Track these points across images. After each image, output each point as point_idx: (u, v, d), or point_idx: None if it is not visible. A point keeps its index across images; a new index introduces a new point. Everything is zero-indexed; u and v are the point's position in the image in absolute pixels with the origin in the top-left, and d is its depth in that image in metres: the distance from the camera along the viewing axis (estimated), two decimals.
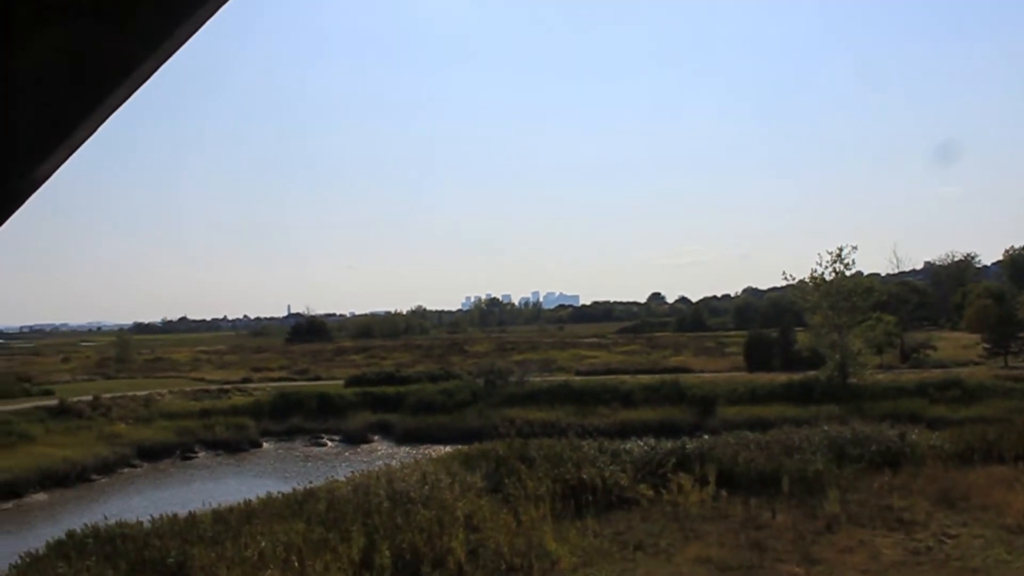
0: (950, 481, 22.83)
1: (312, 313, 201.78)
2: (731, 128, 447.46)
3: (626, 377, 65.16)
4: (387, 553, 15.97)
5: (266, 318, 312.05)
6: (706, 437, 30.27)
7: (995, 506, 20.45)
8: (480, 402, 58.58)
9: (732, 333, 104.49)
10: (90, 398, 58.38)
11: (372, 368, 79.33)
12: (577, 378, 67.30)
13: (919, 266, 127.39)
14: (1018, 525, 19.02)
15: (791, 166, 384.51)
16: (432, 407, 59.00)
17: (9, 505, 40.50)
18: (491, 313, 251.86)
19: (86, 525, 19.94)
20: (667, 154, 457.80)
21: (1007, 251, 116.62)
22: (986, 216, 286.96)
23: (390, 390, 63.50)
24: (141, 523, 19.52)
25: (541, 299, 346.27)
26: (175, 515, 20.08)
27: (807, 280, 59.28)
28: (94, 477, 45.80)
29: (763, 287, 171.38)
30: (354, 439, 56.78)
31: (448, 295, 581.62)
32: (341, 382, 70.53)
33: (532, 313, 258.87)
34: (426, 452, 49.60)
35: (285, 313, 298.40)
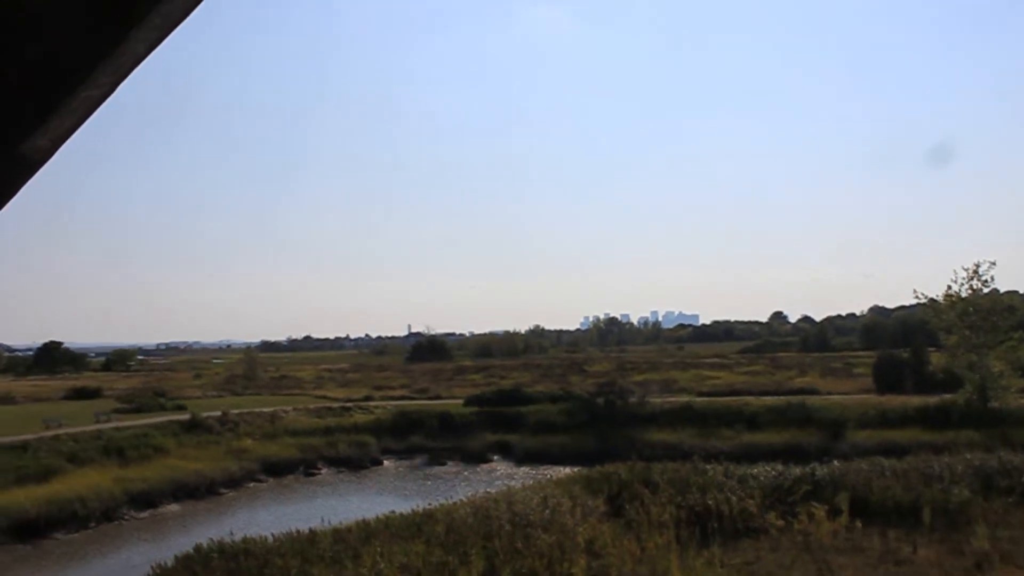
0: None
1: (432, 332, 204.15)
2: (853, 143, 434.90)
3: (750, 398, 63.47)
4: None
5: (387, 337, 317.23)
6: (836, 463, 28.95)
7: None
8: (600, 423, 57.78)
9: (860, 353, 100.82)
10: (219, 414, 60.16)
11: (491, 387, 79.38)
12: (699, 399, 65.86)
13: None
14: None
15: (916, 179, 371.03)
16: (552, 427, 58.54)
17: (145, 515, 41.88)
18: (610, 332, 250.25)
19: (212, 540, 20.27)
20: (785, 171, 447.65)
21: None
22: None
23: (510, 410, 63.36)
24: (264, 539, 19.70)
25: (660, 318, 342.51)
26: (297, 532, 20.19)
27: (941, 298, 56.56)
28: (222, 490, 47.01)
29: (890, 305, 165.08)
30: (473, 458, 56.80)
31: (566, 314, 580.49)
32: (461, 401, 70.81)
33: (651, 332, 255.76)
34: (545, 473, 49.22)
35: (406, 332, 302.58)
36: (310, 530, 20.22)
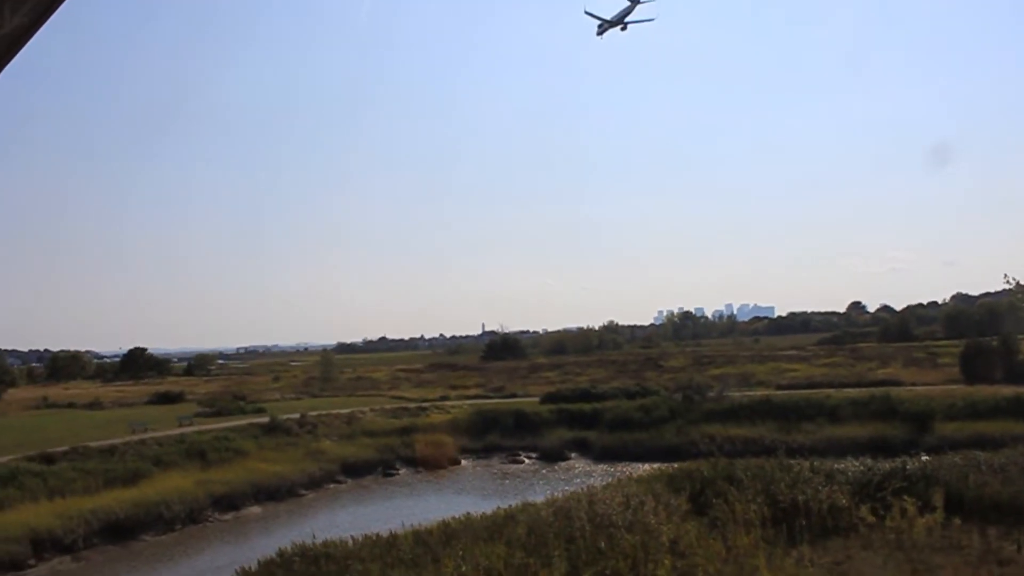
0: None
1: (506, 330, 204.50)
2: (931, 127, 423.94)
3: (830, 391, 62.08)
4: None
5: (461, 336, 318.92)
6: (924, 457, 27.97)
7: None
8: (678, 418, 57.07)
9: (943, 343, 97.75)
10: (297, 416, 60.92)
11: (567, 385, 79.13)
12: (778, 392, 64.73)
13: None
14: None
15: (997, 165, 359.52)
16: (629, 424, 58.01)
17: (228, 517, 42.53)
18: (684, 327, 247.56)
19: (293, 543, 20.31)
20: (860, 158, 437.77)
21: None
22: None
23: (586, 407, 63.03)
24: (344, 543, 19.67)
25: (735, 311, 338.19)
26: (377, 535, 20.11)
27: None
28: (302, 492, 47.51)
29: (974, 292, 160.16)
30: (551, 456, 56.55)
31: (640, 309, 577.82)
32: (536, 399, 70.67)
33: (727, 326, 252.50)
34: (624, 470, 48.62)
35: (480, 331, 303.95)
36: (390, 533, 20.11)
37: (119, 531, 37.78)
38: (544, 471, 52.43)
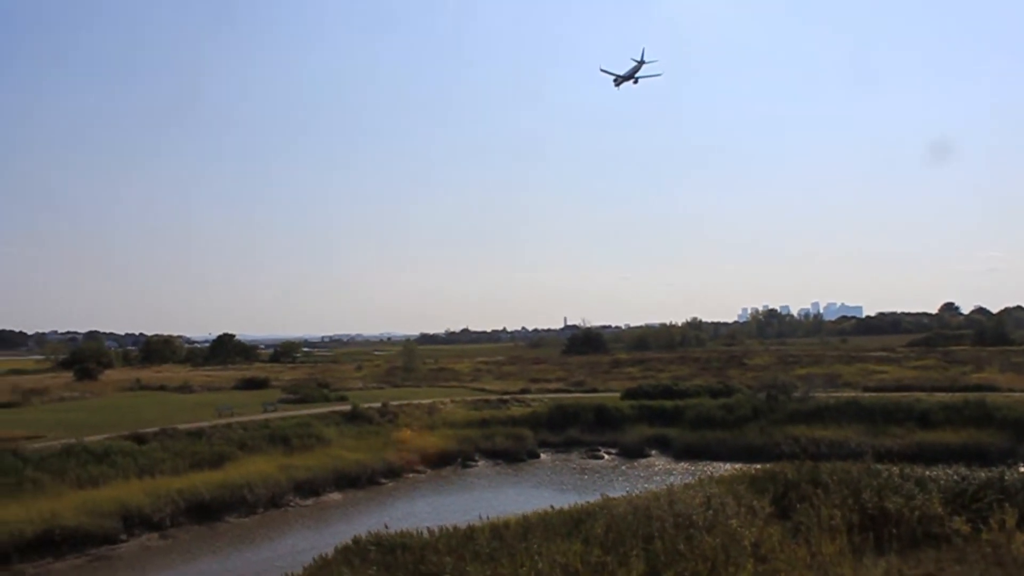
0: None
1: (588, 325, 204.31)
2: None
3: (921, 395, 60.22)
4: None
5: (543, 329, 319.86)
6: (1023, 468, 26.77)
7: None
8: (762, 418, 56.00)
9: None
10: (379, 405, 61.48)
11: (649, 381, 78.41)
12: (866, 394, 63.01)
13: None
14: None
15: None
16: (711, 422, 57.16)
17: (309, 502, 43.11)
18: (769, 325, 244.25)
19: (370, 532, 20.36)
20: (955, 154, 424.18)
21: None
22: None
23: (668, 403, 62.32)
24: (420, 534, 19.64)
25: (821, 310, 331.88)
26: (454, 528, 20.04)
27: None
28: (382, 480, 47.90)
29: None
30: (631, 452, 56.05)
31: (724, 306, 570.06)
32: (618, 394, 70.17)
33: (813, 325, 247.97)
34: (704, 469, 47.92)
35: (562, 325, 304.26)
36: (468, 526, 20.03)
37: (204, 511, 38.61)
38: (623, 467, 51.96)
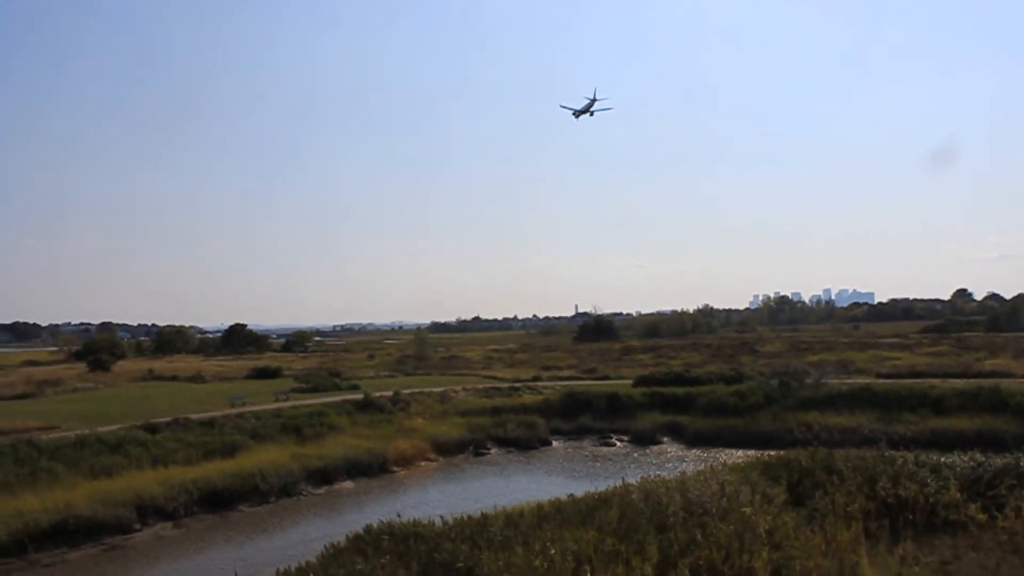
0: None
1: (599, 312, 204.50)
2: None
3: (935, 381, 59.84)
4: (686, 570, 14.89)
5: (555, 317, 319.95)
6: None
7: None
8: (774, 405, 55.76)
9: None
10: (391, 393, 61.51)
11: (660, 368, 78.28)
12: (879, 381, 62.69)
13: None
14: None
15: None
16: (724, 409, 57.00)
17: (321, 491, 43.17)
18: (781, 311, 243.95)
19: (382, 521, 20.32)
20: (967, 137, 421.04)
21: None
22: None
23: (680, 391, 62.16)
24: (433, 523, 19.59)
25: (833, 296, 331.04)
26: (468, 517, 19.99)
27: None
28: (394, 468, 47.90)
29: None
30: (643, 440, 55.96)
31: (735, 293, 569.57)
32: (629, 382, 70.09)
33: (824, 311, 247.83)
34: (717, 456, 47.88)
35: (573, 312, 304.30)
36: (482, 515, 19.99)
37: (217, 501, 38.71)
38: (636, 455, 51.89)
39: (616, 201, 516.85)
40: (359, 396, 60.48)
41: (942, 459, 24.03)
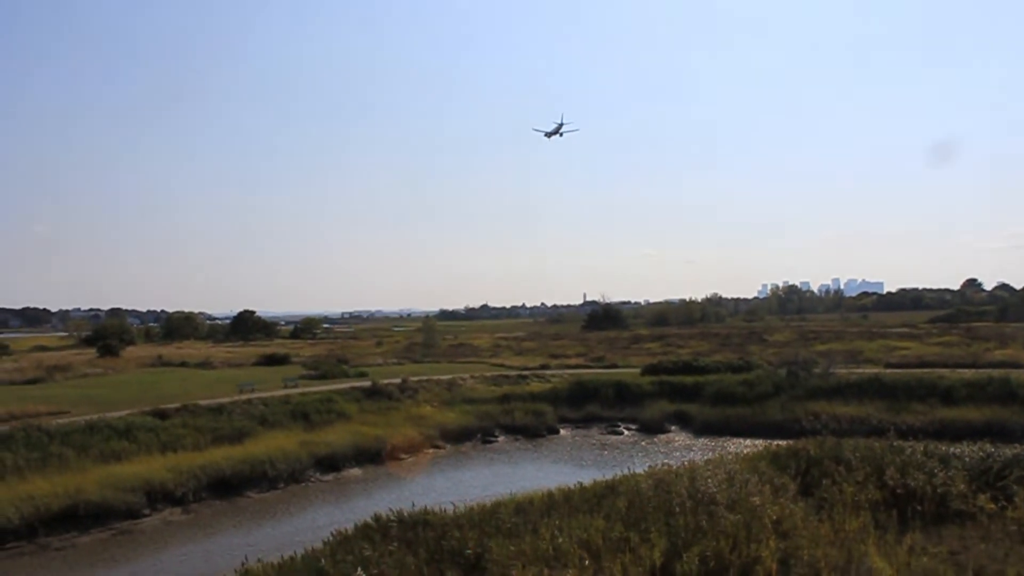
0: None
1: (608, 301, 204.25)
2: None
3: (943, 371, 59.54)
4: (694, 559, 14.89)
5: (563, 305, 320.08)
6: None
7: None
8: (782, 394, 55.67)
9: None
10: (399, 380, 61.58)
11: (669, 357, 78.16)
12: (887, 371, 62.47)
13: None
14: None
15: None
16: (732, 398, 56.89)
17: (329, 478, 43.23)
18: (789, 301, 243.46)
19: (390, 510, 20.39)
20: (977, 127, 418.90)
21: None
22: None
23: (688, 379, 62.15)
24: (443, 511, 19.65)
25: (842, 286, 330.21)
26: (477, 505, 20.06)
27: None
28: (402, 456, 47.91)
29: None
30: (651, 428, 55.92)
31: (744, 282, 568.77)
32: (638, 370, 70.08)
33: (833, 301, 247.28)
34: (725, 445, 47.96)
35: (581, 300, 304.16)
36: (492, 503, 20.06)
37: (226, 487, 38.82)
38: (643, 443, 51.87)
39: (625, 191, 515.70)
40: (367, 383, 60.58)
41: (951, 450, 24.05)
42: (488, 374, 70.54)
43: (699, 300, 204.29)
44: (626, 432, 55.77)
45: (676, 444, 51.07)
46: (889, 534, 17.42)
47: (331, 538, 19.32)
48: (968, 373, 56.98)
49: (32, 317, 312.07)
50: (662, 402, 58.96)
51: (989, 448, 23.92)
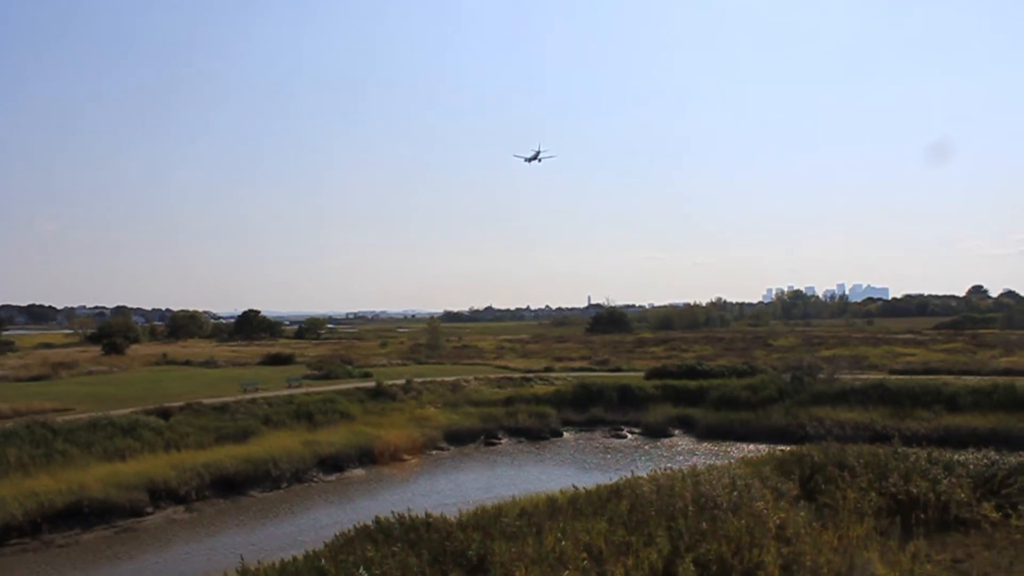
0: None
1: (612, 304, 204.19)
2: None
3: (949, 378, 59.39)
4: (691, 565, 14.87)
5: (567, 308, 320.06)
6: None
7: None
8: (786, 399, 55.53)
9: None
10: (403, 382, 61.62)
11: (673, 360, 78.10)
12: (892, 377, 62.25)
13: None
14: None
15: None
16: (736, 403, 56.78)
17: (332, 478, 43.25)
18: (794, 306, 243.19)
19: (393, 512, 20.36)
20: (984, 134, 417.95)
21: None
22: None
23: (692, 383, 62.10)
24: (445, 517, 19.61)
25: (847, 291, 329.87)
26: (480, 508, 20.05)
27: None
28: (405, 457, 47.91)
29: None
30: (654, 432, 55.85)
31: (748, 287, 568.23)
32: (642, 374, 70.04)
33: (838, 306, 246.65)
34: (728, 449, 47.95)
35: (585, 303, 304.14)
36: (496, 505, 20.05)
37: (229, 486, 38.88)
38: (647, 447, 51.80)
39: (630, 194, 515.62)
40: (371, 384, 60.60)
41: (955, 457, 24.01)
42: (492, 376, 70.55)
43: (704, 304, 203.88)
44: (629, 436, 55.70)
45: (679, 448, 50.99)
46: (892, 541, 17.39)
47: (334, 539, 19.31)
48: (973, 380, 56.84)
49: (37, 314, 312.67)
50: (666, 406, 58.90)
51: (994, 456, 23.89)
